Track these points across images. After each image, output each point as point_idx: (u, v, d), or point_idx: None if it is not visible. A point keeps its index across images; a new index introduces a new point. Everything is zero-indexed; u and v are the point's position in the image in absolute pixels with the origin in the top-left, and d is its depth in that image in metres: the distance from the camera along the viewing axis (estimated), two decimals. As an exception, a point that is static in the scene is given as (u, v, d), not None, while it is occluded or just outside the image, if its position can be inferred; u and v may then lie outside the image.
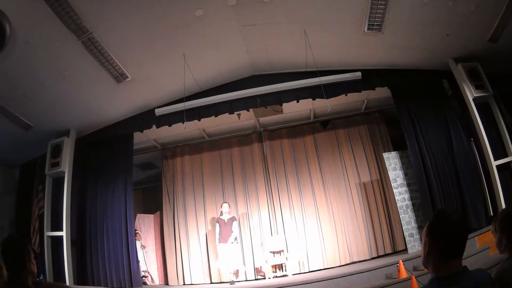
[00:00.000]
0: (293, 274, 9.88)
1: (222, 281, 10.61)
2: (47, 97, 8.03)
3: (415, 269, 7.33)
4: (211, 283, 10.71)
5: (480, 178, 8.29)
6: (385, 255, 10.24)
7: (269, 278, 9.73)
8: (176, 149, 12.24)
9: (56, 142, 9.14)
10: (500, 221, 2.88)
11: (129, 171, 9.77)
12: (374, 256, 10.28)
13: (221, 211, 10.30)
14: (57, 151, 9.03)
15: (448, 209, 2.36)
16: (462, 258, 2.27)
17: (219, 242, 9.93)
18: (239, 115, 10.09)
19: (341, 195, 10.98)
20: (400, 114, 9.14)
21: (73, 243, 8.80)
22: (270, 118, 11.34)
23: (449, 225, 2.25)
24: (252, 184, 11.48)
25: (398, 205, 9.05)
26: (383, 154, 9.84)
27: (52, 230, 8.71)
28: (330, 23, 7.73)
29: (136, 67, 8.10)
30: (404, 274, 7.01)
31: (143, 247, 11.33)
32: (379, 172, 11.10)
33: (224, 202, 10.51)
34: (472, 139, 8.53)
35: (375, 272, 7.58)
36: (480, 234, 7.37)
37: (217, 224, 10.11)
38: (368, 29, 7.65)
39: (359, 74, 8.81)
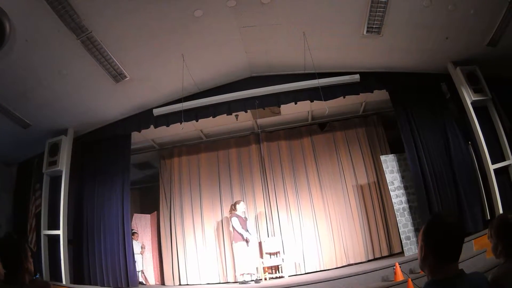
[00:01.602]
0: (289, 276, 9.86)
1: (219, 281, 10.65)
2: (46, 96, 8.03)
3: (411, 272, 7.34)
4: (208, 283, 10.70)
5: (477, 182, 8.32)
6: (382, 257, 10.23)
7: (265, 279, 9.70)
8: (174, 149, 12.23)
9: (54, 140, 9.15)
10: (496, 227, 2.89)
11: (127, 170, 9.77)
12: (370, 258, 10.27)
13: (237, 208, 10.00)
14: (54, 149, 9.03)
15: (444, 213, 2.38)
16: (459, 262, 2.28)
17: (240, 239, 9.59)
18: (237, 116, 10.11)
19: (338, 197, 10.97)
20: (398, 117, 9.16)
21: (70, 242, 8.81)
22: (268, 120, 11.34)
23: (445, 228, 2.25)
24: (249, 185, 11.47)
25: (395, 207, 9.07)
26: (381, 156, 9.85)
27: (49, 229, 8.70)
28: (329, 25, 7.75)
29: (134, 67, 8.10)
30: (400, 277, 7.02)
31: (143, 247, 11.32)
32: (376, 175, 11.09)
33: (241, 201, 10.31)
34: (470, 142, 8.55)
35: (371, 274, 7.59)
36: (477, 237, 7.37)
37: (236, 220, 9.74)
38: (367, 31, 7.67)
39: (357, 76, 8.83)
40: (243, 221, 9.82)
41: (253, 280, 9.42)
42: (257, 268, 9.70)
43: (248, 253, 9.53)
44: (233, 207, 10.04)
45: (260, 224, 10.93)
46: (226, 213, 11.17)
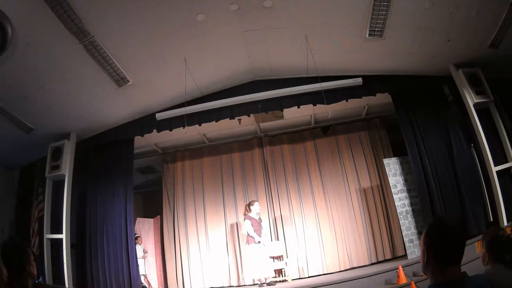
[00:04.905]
0: (292, 280, 9.83)
1: (223, 285, 10.67)
2: (48, 100, 8.04)
3: (414, 274, 7.33)
4: (211, 287, 10.71)
5: (480, 184, 8.30)
6: (385, 260, 10.22)
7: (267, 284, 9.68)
8: (177, 154, 12.25)
9: (56, 145, 9.14)
10: (487, 241, 3.31)
11: (130, 175, 9.78)
12: (373, 261, 10.26)
13: (251, 209, 9.78)
14: (57, 154, 9.02)
15: (445, 216, 2.39)
16: (461, 264, 2.28)
17: (253, 242, 9.43)
18: (240, 120, 10.10)
19: (341, 200, 10.97)
20: (400, 120, 9.16)
21: (73, 246, 8.79)
22: (270, 124, 11.33)
23: (446, 232, 2.25)
24: (252, 189, 11.48)
25: (398, 210, 9.06)
26: (383, 160, 9.87)
27: (52, 233, 8.70)
28: (331, 28, 7.76)
29: (137, 71, 8.12)
30: (403, 279, 7.02)
31: (145, 251, 11.32)
32: (379, 178, 11.09)
33: (255, 201, 10.09)
34: (472, 144, 8.54)
35: (374, 277, 7.59)
36: (480, 240, 7.34)
37: (249, 222, 9.56)
38: (369, 35, 7.67)
39: (360, 80, 8.83)
40: (257, 223, 9.65)
41: (257, 284, 9.38)
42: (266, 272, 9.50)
43: (260, 257, 9.38)
44: (248, 208, 9.85)
45: (263, 228, 10.88)
46: (229, 217, 11.23)
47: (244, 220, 9.72)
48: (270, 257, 10.13)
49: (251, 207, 9.78)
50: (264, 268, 9.35)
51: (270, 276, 9.41)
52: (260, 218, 9.88)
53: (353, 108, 10.80)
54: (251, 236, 9.44)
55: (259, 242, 9.41)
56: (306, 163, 11.53)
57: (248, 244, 9.53)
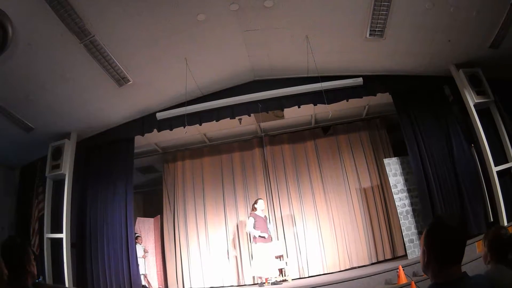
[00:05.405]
0: (292, 279, 9.83)
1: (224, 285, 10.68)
2: (49, 99, 8.04)
3: (414, 274, 7.32)
4: (211, 287, 10.71)
5: (480, 184, 8.28)
6: (385, 260, 10.23)
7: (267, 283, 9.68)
8: (177, 153, 12.25)
9: (57, 144, 9.13)
10: (489, 240, 3.25)
11: (130, 174, 9.75)
12: (373, 261, 10.27)
13: (255, 207, 9.75)
14: (57, 153, 9.01)
15: (445, 216, 2.38)
16: (462, 264, 2.27)
17: (261, 241, 9.36)
18: (240, 120, 10.09)
19: (342, 200, 10.97)
20: (401, 120, 9.13)
21: (73, 245, 8.78)
22: (271, 123, 11.33)
23: (447, 232, 2.25)
24: (253, 189, 11.48)
25: (398, 210, 9.05)
26: (384, 159, 9.86)
27: (52, 232, 8.69)
28: (332, 28, 7.75)
29: (137, 71, 8.11)
30: (403, 279, 7.00)
31: (145, 251, 11.31)
32: (380, 178, 11.10)
33: (260, 199, 10.05)
34: (472, 144, 8.53)
35: (374, 277, 7.58)
36: (480, 239, 7.32)
37: (252, 220, 9.51)
38: (370, 35, 7.66)
39: (360, 80, 8.81)
40: (262, 221, 9.61)
41: (257, 283, 9.35)
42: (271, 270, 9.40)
43: (266, 255, 9.29)
44: (253, 207, 9.85)
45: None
46: (230, 217, 11.24)
47: (249, 218, 9.69)
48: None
49: (255, 205, 9.77)
50: (269, 267, 9.29)
51: (274, 275, 9.36)
52: (265, 216, 9.86)
53: (353, 108, 10.79)
54: (254, 234, 9.41)
55: (259, 236, 9.32)
56: (307, 163, 11.53)
57: (256, 243, 9.45)
